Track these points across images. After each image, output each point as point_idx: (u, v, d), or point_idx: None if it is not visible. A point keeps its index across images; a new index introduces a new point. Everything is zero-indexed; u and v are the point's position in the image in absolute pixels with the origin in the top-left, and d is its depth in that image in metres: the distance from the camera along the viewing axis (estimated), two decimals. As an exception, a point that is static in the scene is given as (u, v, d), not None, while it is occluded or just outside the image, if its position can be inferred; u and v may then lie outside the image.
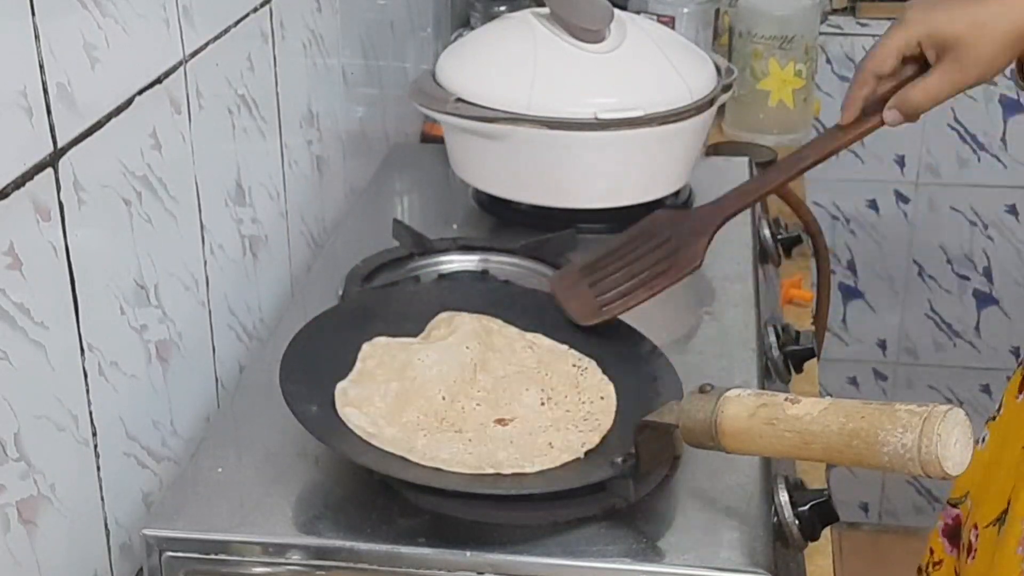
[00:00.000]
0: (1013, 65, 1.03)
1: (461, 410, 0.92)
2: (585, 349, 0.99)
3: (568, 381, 0.96)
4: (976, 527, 1.12)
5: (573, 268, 1.08)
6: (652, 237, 1.08)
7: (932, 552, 1.24)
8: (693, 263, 1.05)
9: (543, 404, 0.93)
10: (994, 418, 1.15)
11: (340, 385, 0.92)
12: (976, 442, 1.14)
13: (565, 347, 1.00)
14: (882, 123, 1.05)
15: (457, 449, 0.88)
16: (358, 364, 0.95)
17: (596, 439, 0.90)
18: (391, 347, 0.96)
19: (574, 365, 0.98)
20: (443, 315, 1.00)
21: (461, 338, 0.97)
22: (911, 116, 1.04)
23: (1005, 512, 1.07)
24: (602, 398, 0.95)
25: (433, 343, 0.97)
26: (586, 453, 0.89)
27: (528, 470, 0.86)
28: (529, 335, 1.01)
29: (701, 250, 1.06)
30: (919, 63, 1.03)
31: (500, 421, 0.92)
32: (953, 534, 1.21)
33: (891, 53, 1.02)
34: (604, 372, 0.97)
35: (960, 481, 1.20)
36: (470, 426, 0.91)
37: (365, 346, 0.96)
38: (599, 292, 1.04)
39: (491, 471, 0.86)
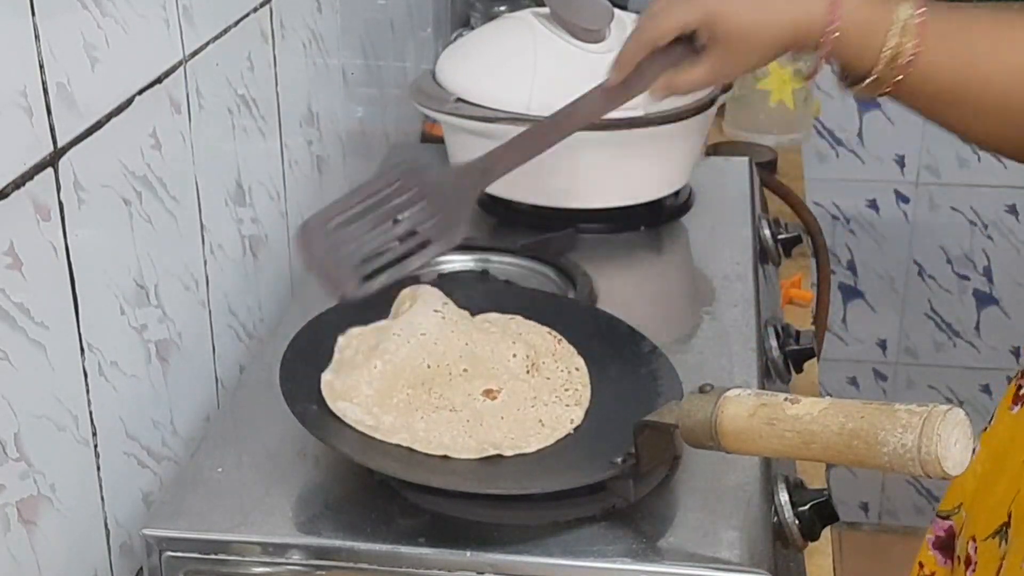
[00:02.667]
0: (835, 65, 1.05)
1: (448, 377, 0.93)
2: (585, 349, 0.99)
3: (546, 348, 0.98)
4: (974, 540, 1.11)
5: (319, 222, 0.97)
6: (403, 192, 0.99)
7: (922, 566, 1.23)
8: (458, 237, 0.99)
9: (528, 372, 0.95)
10: (986, 429, 1.15)
11: (324, 377, 0.92)
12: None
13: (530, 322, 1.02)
14: (642, 92, 1.07)
15: (457, 432, 0.89)
16: (336, 355, 0.95)
17: (580, 414, 0.93)
18: (364, 334, 0.96)
19: (549, 333, 1.00)
20: (405, 291, 1.00)
21: (429, 303, 0.97)
22: (671, 94, 1.09)
23: (1005, 525, 1.07)
24: (577, 369, 0.97)
25: (403, 317, 0.97)
26: (575, 428, 0.92)
27: (527, 450, 0.89)
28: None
29: (464, 222, 1.00)
30: (690, 42, 1.04)
31: (488, 393, 0.93)
32: (945, 546, 1.21)
33: (670, 28, 1.03)
34: (604, 372, 0.97)
35: (951, 492, 1.19)
36: (460, 400, 0.91)
37: (340, 338, 0.96)
38: (354, 259, 0.95)
39: (494, 451, 0.88)
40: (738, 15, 1.01)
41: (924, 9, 0.98)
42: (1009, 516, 1.05)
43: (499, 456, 0.88)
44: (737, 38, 1.01)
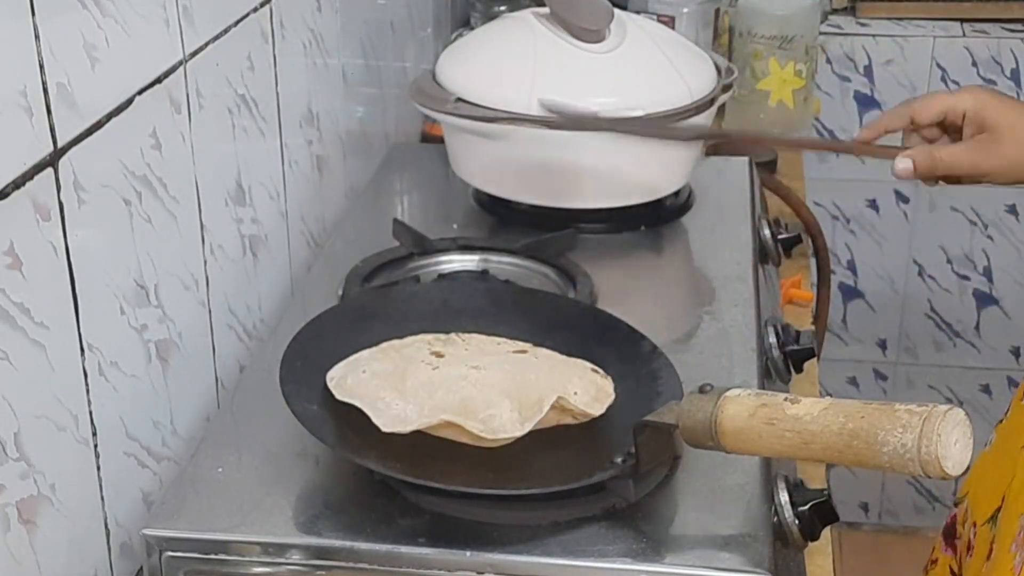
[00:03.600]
0: None
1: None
2: (584, 349, 0.99)
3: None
4: (975, 525, 1.12)
5: None
6: None
7: (933, 550, 1.25)
8: None
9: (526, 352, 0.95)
10: (1001, 421, 1.16)
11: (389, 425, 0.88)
12: (984, 444, 1.15)
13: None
14: (891, 158, 1.06)
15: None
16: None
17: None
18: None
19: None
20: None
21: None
22: (922, 171, 1.05)
23: (999, 510, 1.07)
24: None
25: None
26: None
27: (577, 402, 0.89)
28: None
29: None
30: (953, 134, 1.05)
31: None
32: (948, 533, 1.22)
33: (936, 106, 1.04)
34: (604, 372, 0.97)
35: (966, 481, 1.20)
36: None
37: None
38: None
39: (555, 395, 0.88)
40: (1009, 113, 1.01)
41: None
42: (1002, 501, 1.06)
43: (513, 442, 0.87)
44: (1004, 133, 1.01)
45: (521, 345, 0.96)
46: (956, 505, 1.22)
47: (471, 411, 0.87)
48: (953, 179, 1.06)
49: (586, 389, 0.91)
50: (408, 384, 0.89)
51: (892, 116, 1.07)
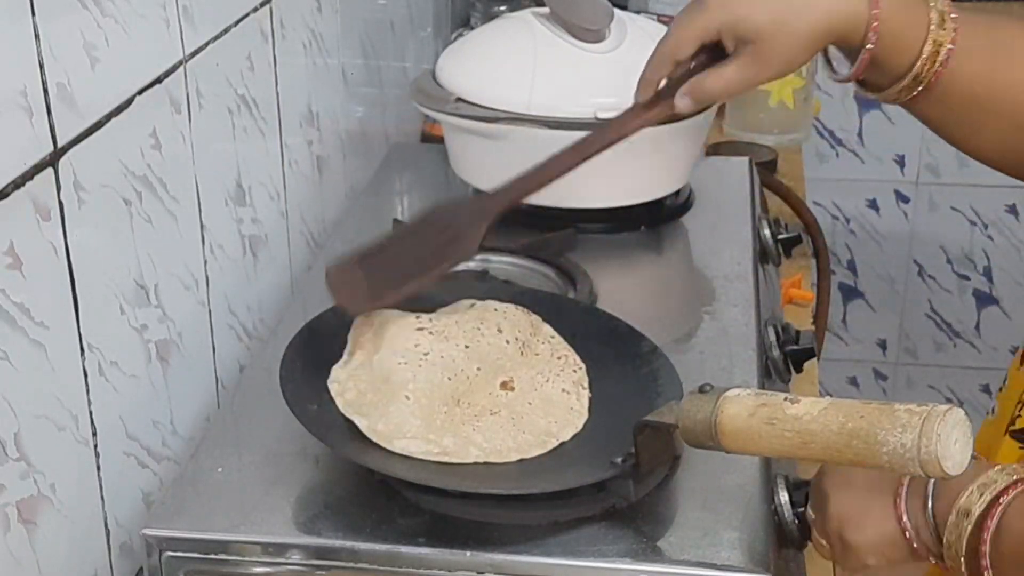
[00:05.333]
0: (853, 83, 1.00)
1: (469, 382, 0.92)
2: (584, 349, 0.99)
3: (522, 324, 0.99)
4: None
5: (351, 258, 1.00)
6: (431, 226, 1.01)
7: None
8: (469, 251, 0.99)
9: (523, 354, 0.96)
10: (1001, 389, 1.15)
11: (359, 423, 0.88)
12: (988, 412, 1.14)
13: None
14: (672, 108, 1.02)
15: (511, 432, 0.90)
16: (337, 399, 0.91)
17: (584, 377, 0.96)
18: (356, 374, 0.93)
19: (516, 308, 1.00)
20: (359, 320, 0.97)
21: (405, 324, 0.96)
22: (703, 104, 1.01)
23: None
24: (553, 337, 0.99)
25: (387, 345, 0.95)
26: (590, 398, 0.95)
27: (579, 425, 0.93)
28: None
29: (478, 237, 0.99)
30: (715, 51, 0.99)
31: (504, 386, 0.93)
32: None
33: (690, 38, 0.98)
34: (605, 372, 0.97)
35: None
36: (488, 401, 0.92)
37: (332, 384, 0.93)
38: (373, 281, 0.97)
39: (556, 442, 0.91)
40: (763, 11, 0.95)
41: (952, 6, 0.94)
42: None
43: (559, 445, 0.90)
44: (767, 35, 0.95)
45: (503, 376, 0.95)
46: None
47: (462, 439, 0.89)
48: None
49: (562, 428, 0.92)
50: (438, 423, 0.90)
51: (654, 66, 1.01)
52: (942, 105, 0.97)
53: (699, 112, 1.07)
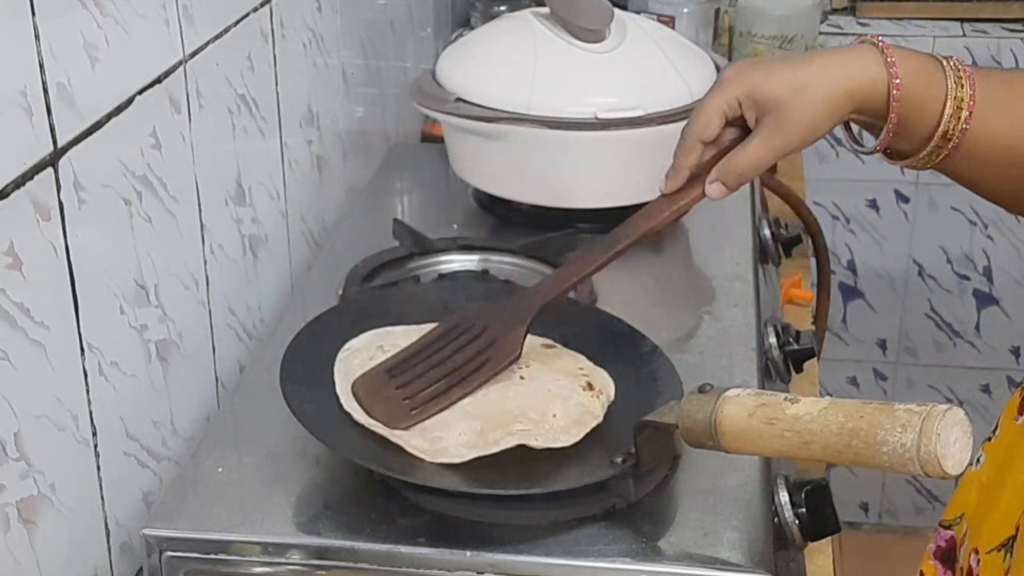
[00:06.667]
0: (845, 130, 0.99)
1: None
2: (585, 349, 0.99)
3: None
4: (977, 552, 1.10)
5: (379, 370, 0.95)
6: (464, 331, 0.97)
7: (922, 574, 1.23)
8: (512, 355, 0.94)
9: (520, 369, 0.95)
10: (990, 439, 1.14)
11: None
12: (972, 463, 1.13)
13: None
14: (703, 196, 0.98)
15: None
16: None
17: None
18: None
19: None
20: (360, 340, 0.98)
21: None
22: (734, 186, 0.98)
23: (1012, 539, 1.06)
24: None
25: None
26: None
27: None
28: None
29: (519, 340, 0.95)
30: (741, 126, 0.97)
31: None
32: (946, 557, 1.20)
33: (713, 116, 0.96)
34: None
35: (954, 502, 1.18)
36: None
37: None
38: (408, 394, 0.92)
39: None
40: (780, 78, 0.93)
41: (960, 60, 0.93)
42: (1017, 530, 1.04)
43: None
44: (785, 101, 0.93)
45: (532, 348, 0.95)
46: (945, 527, 1.20)
47: (422, 429, 0.88)
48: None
49: (568, 412, 0.90)
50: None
51: (684, 152, 0.97)
52: (976, 160, 0.96)
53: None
